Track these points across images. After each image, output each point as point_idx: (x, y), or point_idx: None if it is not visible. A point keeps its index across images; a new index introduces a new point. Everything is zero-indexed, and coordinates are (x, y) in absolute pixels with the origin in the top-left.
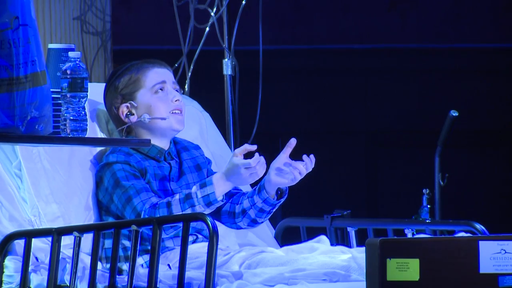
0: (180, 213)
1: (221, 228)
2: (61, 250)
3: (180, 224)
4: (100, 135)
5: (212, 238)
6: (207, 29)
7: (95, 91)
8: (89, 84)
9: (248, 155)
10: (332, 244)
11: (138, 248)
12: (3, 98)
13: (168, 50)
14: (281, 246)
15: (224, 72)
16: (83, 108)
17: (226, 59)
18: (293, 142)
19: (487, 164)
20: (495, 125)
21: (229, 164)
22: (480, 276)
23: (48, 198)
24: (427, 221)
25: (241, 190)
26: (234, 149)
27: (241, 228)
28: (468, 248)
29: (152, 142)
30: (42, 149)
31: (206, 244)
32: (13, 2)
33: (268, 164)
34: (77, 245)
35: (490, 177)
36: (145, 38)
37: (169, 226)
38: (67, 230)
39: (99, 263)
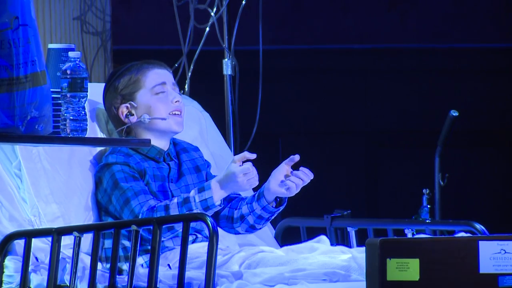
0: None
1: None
2: (61, 250)
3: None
4: (100, 135)
5: (212, 238)
6: (207, 29)
7: (95, 91)
8: (89, 84)
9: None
10: (332, 244)
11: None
12: (3, 98)
13: (168, 50)
14: (281, 246)
15: (224, 72)
16: (83, 108)
17: (226, 59)
18: (296, 158)
19: (487, 164)
20: (495, 125)
21: (226, 171)
22: (480, 276)
23: (48, 198)
24: (427, 221)
25: (240, 195)
26: (234, 149)
27: (239, 233)
28: (468, 248)
29: (152, 142)
30: (42, 149)
31: (206, 244)
32: (13, 2)
33: (268, 168)
34: (77, 245)
35: (490, 177)
36: (145, 38)
37: (167, 229)
38: (67, 230)
39: (99, 263)
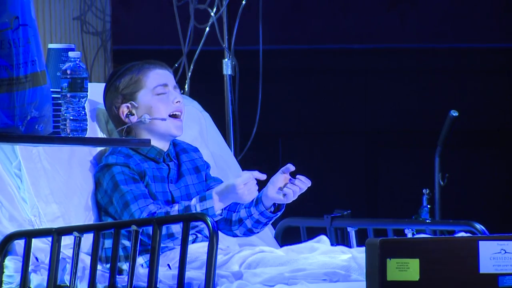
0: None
1: None
2: (61, 250)
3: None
4: (100, 135)
5: (212, 238)
6: (207, 29)
7: (95, 91)
8: (89, 84)
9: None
10: (332, 244)
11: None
12: (3, 98)
13: (168, 50)
14: (281, 246)
15: (224, 72)
16: (83, 108)
17: (226, 59)
18: (291, 168)
19: (487, 164)
20: (495, 125)
21: (227, 182)
22: (480, 276)
23: (48, 198)
24: (427, 221)
25: None
26: (234, 149)
27: (237, 236)
28: (468, 248)
29: (152, 143)
30: (42, 149)
31: (206, 244)
32: (13, 2)
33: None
34: (77, 245)
35: (490, 177)
36: (145, 38)
37: (167, 237)
38: (67, 230)
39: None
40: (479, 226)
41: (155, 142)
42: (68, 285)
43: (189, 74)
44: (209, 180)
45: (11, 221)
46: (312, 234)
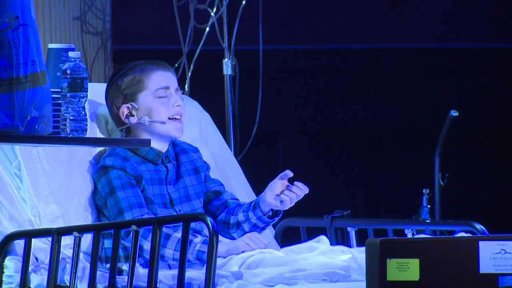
0: (172, 250)
1: None
2: (61, 250)
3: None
4: (100, 135)
5: (212, 238)
6: (207, 29)
7: (95, 91)
8: (89, 84)
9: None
10: (332, 244)
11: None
12: (3, 98)
13: (168, 50)
14: (281, 247)
15: (224, 72)
16: (83, 108)
17: (226, 59)
18: (289, 174)
19: (487, 164)
20: (495, 125)
21: (236, 241)
22: (480, 276)
23: (47, 198)
24: (427, 221)
25: (237, 200)
26: (234, 149)
27: (234, 239)
28: (468, 248)
29: (151, 144)
30: (42, 150)
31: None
32: (13, 2)
33: (268, 168)
34: (77, 245)
35: (490, 177)
36: (145, 38)
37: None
38: (67, 230)
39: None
40: (479, 226)
41: (154, 144)
42: (68, 285)
43: (189, 74)
44: (208, 182)
45: (11, 221)
46: (312, 234)
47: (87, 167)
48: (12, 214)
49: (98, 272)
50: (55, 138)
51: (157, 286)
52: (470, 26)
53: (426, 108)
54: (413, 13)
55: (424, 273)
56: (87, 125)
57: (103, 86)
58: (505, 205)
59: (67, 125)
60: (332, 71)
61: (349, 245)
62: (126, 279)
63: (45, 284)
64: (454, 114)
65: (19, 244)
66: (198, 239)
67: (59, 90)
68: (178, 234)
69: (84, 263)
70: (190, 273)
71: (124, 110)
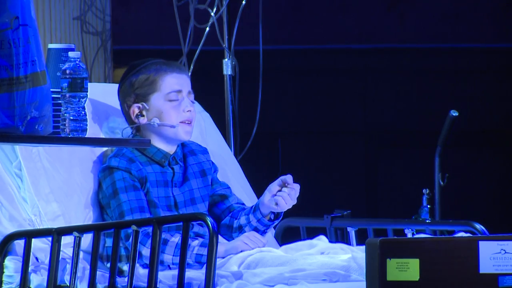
0: (171, 256)
1: None
2: (61, 249)
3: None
4: (100, 135)
5: (212, 238)
6: (207, 29)
7: (95, 91)
8: (89, 84)
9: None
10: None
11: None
12: (3, 98)
13: (168, 50)
14: (280, 246)
15: (224, 72)
16: (83, 108)
17: (226, 59)
18: (287, 179)
19: (487, 164)
20: (495, 125)
21: (235, 241)
22: (480, 276)
23: (48, 197)
24: (427, 221)
25: (243, 204)
26: (234, 149)
27: None
28: (468, 248)
29: (158, 146)
30: (42, 149)
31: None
32: (13, 2)
33: (268, 168)
34: (77, 245)
35: (490, 177)
36: (145, 38)
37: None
38: (67, 230)
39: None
40: (479, 226)
41: (161, 146)
42: (68, 285)
43: (189, 74)
44: (215, 185)
45: (11, 221)
46: (312, 234)
47: (87, 165)
48: (12, 214)
49: (98, 272)
50: (55, 138)
51: (157, 286)
52: (470, 26)
53: (426, 108)
54: (413, 13)
55: (424, 273)
56: (87, 125)
57: (103, 86)
58: (505, 205)
59: (67, 125)
60: (332, 71)
61: (349, 244)
62: (126, 279)
63: (45, 284)
64: (454, 114)
65: (19, 244)
66: (196, 242)
67: (59, 90)
68: (176, 239)
69: (84, 263)
70: (190, 273)
71: (134, 109)
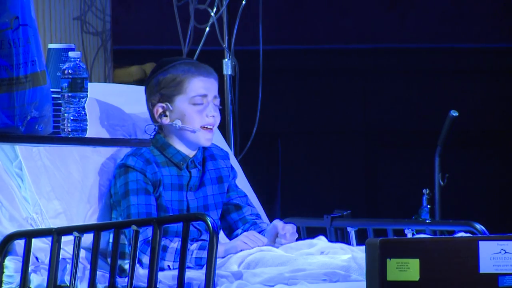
0: (171, 262)
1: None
2: (62, 247)
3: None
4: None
5: (212, 238)
6: (207, 29)
7: (95, 91)
8: (89, 84)
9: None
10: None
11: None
12: (3, 98)
13: (168, 50)
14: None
15: (224, 72)
16: (83, 108)
17: (226, 59)
18: (280, 230)
19: (487, 164)
20: (495, 125)
21: (232, 243)
22: (480, 276)
23: (49, 195)
24: (427, 221)
25: (257, 216)
26: (234, 149)
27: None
28: (468, 248)
29: (178, 148)
30: (42, 147)
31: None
32: (13, 2)
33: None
34: (77, 245)
35: (490, 177)
36: (145, 38)
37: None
38: (67, 230)
39: (104, 258)
40: (479, 226)
41: (182, 148)
42: (68, 285)
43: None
44: (231, 192)
45: (11, 221)
46: (312, 234)
47: (88, 161)
48: (12, 214)
49: (98, 272)
50: (55, 138)
51: (157, 286)
52: (470, 26)
53: (426, 108)
54: (413, 13)
55: (424, 273)
56: (87, 125)
57: (103, 86)
58: (505, 205)
59: (67, 125)
60: (332, 71)
61: (349, 244)
62: (126, 279)
63: (45, 284)
64: (454, 114)
65: (19, 244)
66: (194, 246)
67: (59, 90)
68: (175, 244)
69: (84, 264)
70: (190, 273)
71: (158, 109)
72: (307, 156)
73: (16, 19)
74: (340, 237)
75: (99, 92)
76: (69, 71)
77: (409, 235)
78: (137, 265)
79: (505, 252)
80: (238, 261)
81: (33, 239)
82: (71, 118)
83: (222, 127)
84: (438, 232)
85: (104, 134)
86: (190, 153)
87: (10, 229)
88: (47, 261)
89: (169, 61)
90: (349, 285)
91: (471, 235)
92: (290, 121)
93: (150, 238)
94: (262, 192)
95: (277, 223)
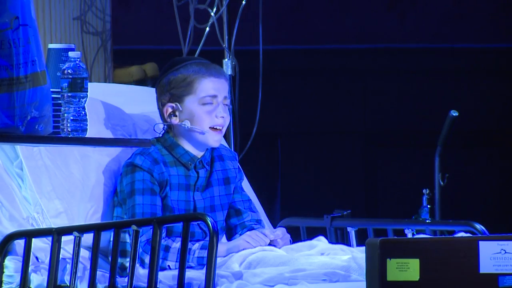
0: (174, 262)
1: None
2: (62, 247)
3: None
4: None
5: (212, 238)
6: (207, 29)
7: (95, 91)
8: (89, 84)
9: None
10: (331, 243)
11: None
12: (3, 98)
13: (168, 50)
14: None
15: None
16: (83, 108)
17: (226, 59)
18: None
19: (487, 164)
20: (495, 125)
21: (234, 242)
22: (480, 276)
23: (50, 194)
24: (427, 221)
25: (258, 222)
26: (234, 149)
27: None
28: (468, 248)
29: (187, 148)
30: (43, 147)
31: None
32: (13, 2)
33: (268, 168)
34: (77, 245)
35: (490, 177)
36: (145, 38)
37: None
38: (67, 230)
39: (105, 258)
40: (479, 226)
41: (190, 148)
42: (68, 285)
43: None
44: (235, 195)
45: (11, 221)
46: (312, 234)
47: (89, 160)
48: (12, 214)
49: (98, 272)
50: (55, 138)
51: (157, 286)
52: (470, 26)
53: (426, 108)
54: (413, 13)
55: (424, 273)
56: (87, 125)
57: (103, 86)
58: (505, 205)
59: (67, 125)
60: (332, 71)
61: (349, 244)
62: (126, 279)
63: (45, 284)
64: (454, 114)
65: (19, 244)
66: (196, 245)
67: (59, 90)
68: (177, 244)
69: (84, 263)
70: (190, 273)
71: (168, 108)
72: (307, 156)
73: (16, 19)
74: (340, 237)
75: (99, 92)
76: (69, 71)
77: (409, 235)
78: (137, 265)
79: (505, 252)
80: (239, 260)
81: (33, 239)
82: (71, 118)
83: None
84: (438, 232)
85: (105, 134)
86: (198, 153)
87: (10, 229)
88: (47, 261)
89: (180, 61)
90: (349, 285)
91: (471, 235)
92: (290, 121)
93: (149, 238)
94: (262, 192)
95: (266, 231)
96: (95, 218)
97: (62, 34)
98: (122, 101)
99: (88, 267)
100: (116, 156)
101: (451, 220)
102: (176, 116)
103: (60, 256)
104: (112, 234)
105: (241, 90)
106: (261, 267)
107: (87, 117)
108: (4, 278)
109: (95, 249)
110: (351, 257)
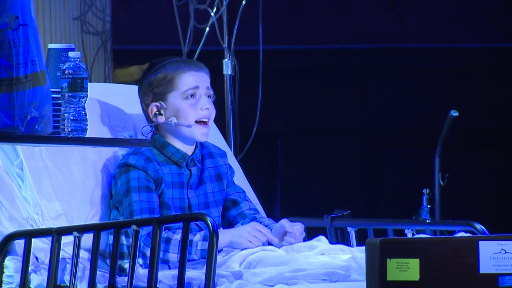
0: (176, 254)
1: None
2: (62, 248)
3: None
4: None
5: (212, 238)
6: (207, 29)
7: (95, 91)
8: (89, 84)
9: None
10: (331, 243)
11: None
12: (3, 98)
13: (168, 50)
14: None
15: (224, 72)
16: (83, 108)
17: (226, 59)
18: (288, 228)
19: (487, 164)
20: (495, 125)
21: (241, 227)
22: (480, 276)
23: (50, 196)
24: (427, 221)
25: (256, 211)
26: (234, 149)
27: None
28: (468, 248)
29: (177, 146)
30: (44, 148)
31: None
32: (13, 2)
33: (268, 168)
34: (77, 245)
35: (490, 177)
36: (145, 38)
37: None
38: (67, 230)
39: (103, 259)
40: (479, 226)
41: (180, 145)
42: (68, 285)
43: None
44: (229, 188)
45: (11, 221)
46: (312, 234)
47: (89, 162)
48: (12, 214)
49: (98, 272)
50: (55, 138)
51: (157, 286)
52: (470, 26)
53: (426, 108)
54: (412, 13)
55: (424, 273)
56: (87, 125)
57: (103, 86)
58: (505, 205)
59: (67, 125)
60: (332, 71)
61: (349, 244)
62: (126, 279)
63: (45, 284)
64: (454, 114)
65: (19, 244)
66: (197, 236)
67: (59, 90)
68: (178, 236)
69: (84, 264)
70: (190, 273)
71: (153, 108)
72: (307, 156)
73: (16, 19)
74: (340, 237)
75: (99, 92)
76: (69, 71)
77: (409, 235)
78: (137, 265)
79: (505, 252)
80: (239, 260)
81: (33, 239)
82: (71, 118)
83: (222, 127)
84: (438, 232)
85: (105, 134)
86: (188, 150)
87: (10, 229)
88: (47, 261)
89: (159, 62)
90: (349, 285)
91: (471, 235)
92: (290, 121)
93: (150, 232)
94: (262, 192)
95: (285, 222)
96: (95, 221)
97: (62, 34)
98: (122, 101)
99: (87, 267)
100: (117, 158)
101: (451, 220)
102: (161, 114)
103: (60, 256)
104: (109, 236)
105: (241, 90)
106: (261, 267)
107: (87, 117)
108: (4, 278)
109: (95, 249)
110: (351, 257)
